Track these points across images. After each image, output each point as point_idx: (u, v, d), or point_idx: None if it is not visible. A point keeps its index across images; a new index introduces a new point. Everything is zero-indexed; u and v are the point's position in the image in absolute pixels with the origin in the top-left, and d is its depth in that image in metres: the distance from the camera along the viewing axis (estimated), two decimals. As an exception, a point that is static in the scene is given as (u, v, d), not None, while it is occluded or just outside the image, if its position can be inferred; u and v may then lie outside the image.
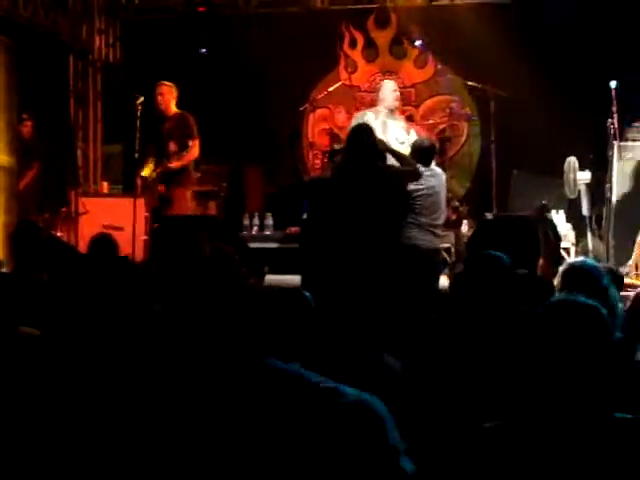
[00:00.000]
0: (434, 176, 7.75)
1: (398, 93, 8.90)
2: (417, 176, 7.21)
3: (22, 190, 9.19)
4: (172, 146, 8.81)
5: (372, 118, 8.49)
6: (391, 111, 8.73)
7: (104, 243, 5.69)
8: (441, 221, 7.83)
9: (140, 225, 8.78)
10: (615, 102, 8.41)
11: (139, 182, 9.00)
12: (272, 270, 8.05)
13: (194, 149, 8.78)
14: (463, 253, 7.93)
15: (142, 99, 8.62)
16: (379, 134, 7.59)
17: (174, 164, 8.76)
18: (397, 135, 8.57)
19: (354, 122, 8.60)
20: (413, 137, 8.59)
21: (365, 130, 6.99)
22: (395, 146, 7.95)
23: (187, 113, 8.89)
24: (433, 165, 7.84)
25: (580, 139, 8.44)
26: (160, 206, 8.84)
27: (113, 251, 5.65)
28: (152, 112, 8.79)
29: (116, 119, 10.58)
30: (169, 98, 8.89)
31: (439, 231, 7.83)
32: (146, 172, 8.86)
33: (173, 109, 8.92)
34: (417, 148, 7.81)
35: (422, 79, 11.31)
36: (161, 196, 8.85)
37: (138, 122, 8.51)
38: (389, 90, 8.84)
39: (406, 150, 7.92)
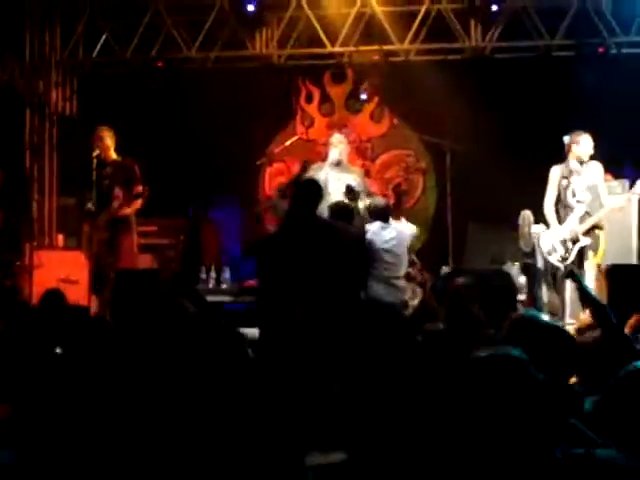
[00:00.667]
0: (393, 231, 7.93)
1: (342, 146, 8.98)
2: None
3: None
4: (117, 191, 8.59)
5: (317, 173, 8.66)
6: (337, 164, 8.84)
7: (53, 297, 5.69)
8: (401, 273, 7.97)
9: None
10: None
11: (85, 227, 8.70)
12: (230, 324, 8.00)
13: (144, 195, 8.58)
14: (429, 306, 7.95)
15: (98, 152, 8.59)
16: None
17: (126, 210, 8.57)
18: (341, 187, 8.67)
19: (310, 172, 8.78)
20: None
21: (313, 183, 7.14)
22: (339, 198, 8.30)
23: (130, 159, 8.75)
24: (393, 222, 8.04)
25: (535, 192, 8.51)
26: (101, 253, 8.49)
27: (62, 304, 5.64)
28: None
29: (72, 172, 10.55)
30: (108, 143, 8.73)
31: (401, 283, 7.96)
32: (91, 207, 8.47)
33: (112, 155, 8.76)
34: (372, 209, 8.25)
35: (378, 133, 11.43)
36: (104, 242, 8.54)
37: (94, 175, 8.45)
38: (332, 144, 9.04)
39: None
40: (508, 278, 7.99)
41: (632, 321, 5.58)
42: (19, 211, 10.20)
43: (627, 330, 5.43)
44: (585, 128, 8.23)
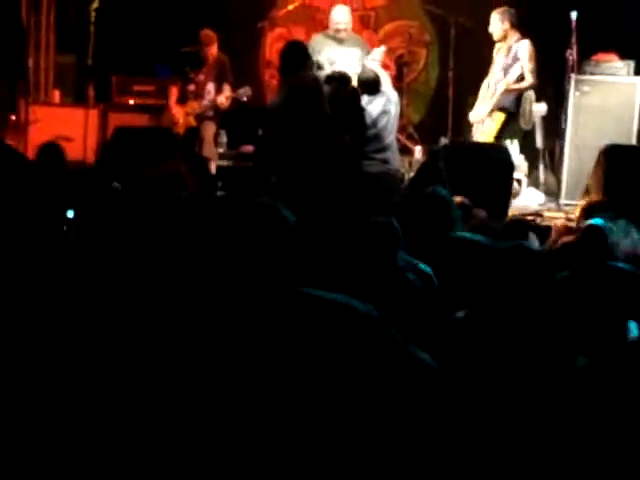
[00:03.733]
0: (376, 102, 7.92)
1: (345, 18, 8.86)
2: None
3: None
4: (211, 87, 9.09)
5: (322, 42, 8.57)
6: (336, 34, 8.73)
7: (52, 151, 5.63)
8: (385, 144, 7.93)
9: (92, 136, 8.65)
10: (575, 34, 8.41)
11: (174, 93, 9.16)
12: (225, 189, 8.02)
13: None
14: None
15: (96, 5, 8.42)
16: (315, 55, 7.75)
17: (226, 103, 9.08)
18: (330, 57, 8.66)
19: (309, 45, 8.66)
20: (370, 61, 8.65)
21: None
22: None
23: (225, 57, 9.19)
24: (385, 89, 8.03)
25: (537, 71, 8.42)
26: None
27: (61, 159, 5.59)
28: (107, 19, 8.57)
29: (67, 27, 10.36)
30: (210, 44, 9.13)
31: (386, 155, 7.93)
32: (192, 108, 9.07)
33: (213, 53, 9.14)
34: (359, 81, 8.11)
35: (382, 2, 11.19)
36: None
37: (92, 29, 8.30)
38: (333, 14, 8.99)
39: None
40: (506, 153, 7.96)
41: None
42: (15, 66, 10.05)
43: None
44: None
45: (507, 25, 8.39)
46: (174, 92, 9.22)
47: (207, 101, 9.08)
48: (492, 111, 8.49)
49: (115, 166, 5.80)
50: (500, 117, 8.46)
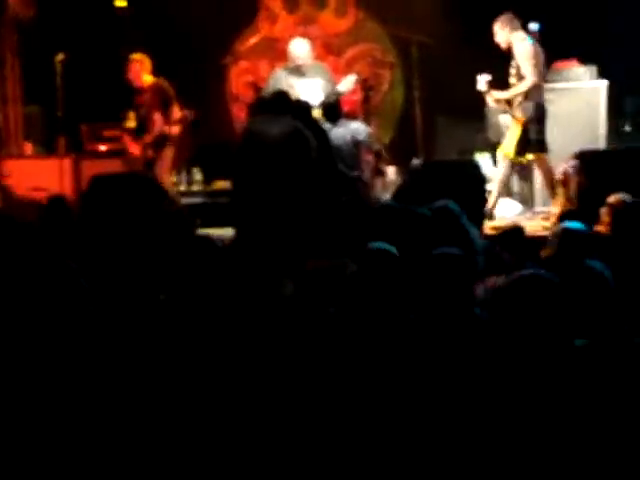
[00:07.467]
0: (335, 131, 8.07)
1: (303, 52, 9.00)
2: None
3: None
4: (157, 116, 8.75)
5: (282, 77, 8.64)
6: (298, 69, 8.80)
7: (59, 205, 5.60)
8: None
9: (67, 186, 8.67)
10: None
11: (127, 138, 8.93)
12: (203, 224, 8.07)
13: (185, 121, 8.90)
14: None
15: (62, 56, 8.47)
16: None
17: (175, 130, 8.81)
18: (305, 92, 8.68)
19: (270, 80, 8.91)
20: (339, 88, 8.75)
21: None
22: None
23: (162, 81, 8.86)
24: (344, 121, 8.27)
25: (502, 82, 8.51)
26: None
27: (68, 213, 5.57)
28: (76, 69, 8.61)
29: (32, 80, 10.39)
30: (139, 71, 8.81)
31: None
32: (131, 124, 8.82)
33: (147, 80, 8.85)
34: (321, 105, 8.35)
35: (343, 28, 11.29)
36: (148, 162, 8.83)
37: (59, 80, 8.34)
38: (291, 49, 9.09)
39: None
40: (477, 169, 8.03)
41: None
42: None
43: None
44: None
45: (507, 30, 8.33)
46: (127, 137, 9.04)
47: (156, 133, 8.80)
48: (512, 116, 8.41)
49: (97, 216, 5.82)
50: (518, 127, 8.37)
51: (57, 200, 5.74)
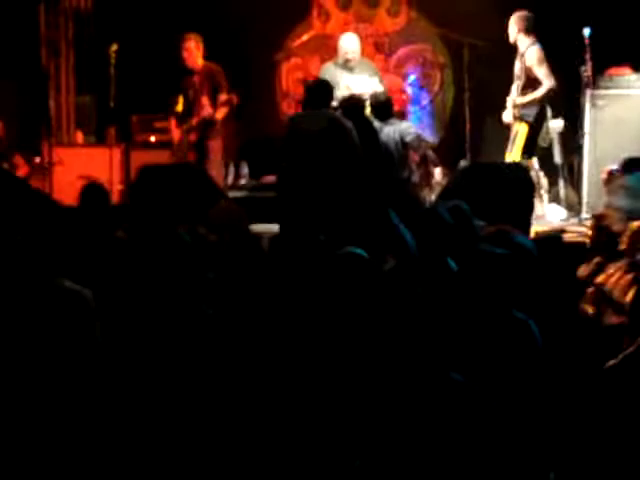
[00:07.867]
0: (386, 130, 8.05)
1: (353, 47, 8.99)
2: None
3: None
4: (205, 100, 8.70)
5: (331, 70, 8.66)
6: (346, 63, 8.81)
7: (96, 191, 5.67)
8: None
9: (116, 175, 8.77)
10: (588, 50, 8.47)
11: (173, 122, 8.93)
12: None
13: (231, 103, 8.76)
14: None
15: (116, 47, 8.56)
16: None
17: (220, 115, 8.72)
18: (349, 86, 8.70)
19: (320, 74, 8.92)
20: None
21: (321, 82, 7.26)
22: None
23: (214, 65, 8.84)
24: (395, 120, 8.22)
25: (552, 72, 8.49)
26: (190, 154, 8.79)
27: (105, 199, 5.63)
28: (129, 60, 8.69)
29: (86, 70, 10.52)
30: (193, 50, 8.79)
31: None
32: (179, 107, 8.78)
33: (199, 63, 8.83)
34: (372, 103, 8.27)
35: (395, 28, 11.28)
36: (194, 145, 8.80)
37: (112, 70, 8.44)
38: (341, 43, 9.12)
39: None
40: (525, 172, 8.01)
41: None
42: (36, 109, 10.22)
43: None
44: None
45: (516, 30, 8.43)
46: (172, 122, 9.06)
47: (203, 115, 8.73)
48: (516, 118, 8.48)
49: (144, 205, 5.88)
50: (524, 130, 8.43)
51: (93, 186, 5.79)
